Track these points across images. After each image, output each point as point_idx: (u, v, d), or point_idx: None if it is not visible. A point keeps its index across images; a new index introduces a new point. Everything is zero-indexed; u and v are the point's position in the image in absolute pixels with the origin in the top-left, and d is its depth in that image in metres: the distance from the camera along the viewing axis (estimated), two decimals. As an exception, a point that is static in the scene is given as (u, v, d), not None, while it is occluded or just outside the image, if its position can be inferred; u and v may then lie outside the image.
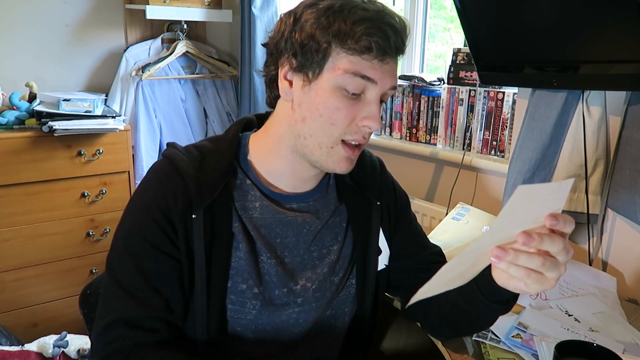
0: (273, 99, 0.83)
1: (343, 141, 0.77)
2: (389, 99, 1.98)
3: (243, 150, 0.84)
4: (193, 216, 0.76)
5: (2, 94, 1.98)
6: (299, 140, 0.78)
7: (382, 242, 0.92)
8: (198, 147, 0.82)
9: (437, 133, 1.86)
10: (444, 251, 0.97)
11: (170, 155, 0.80)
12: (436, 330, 0.94)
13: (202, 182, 0.77)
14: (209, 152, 0.81)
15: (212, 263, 0.77)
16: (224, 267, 0.78)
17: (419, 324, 0.96)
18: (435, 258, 0.95)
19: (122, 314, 0.74)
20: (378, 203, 0.91)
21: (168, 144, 0.84)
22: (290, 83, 0.78)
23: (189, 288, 0.78)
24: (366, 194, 0.91)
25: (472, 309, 0.80)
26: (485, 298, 0.75)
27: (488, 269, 0.71)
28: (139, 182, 0.82)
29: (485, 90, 1.68)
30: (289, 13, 0.78)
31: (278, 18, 0.82)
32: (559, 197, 0.58)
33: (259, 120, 0.90)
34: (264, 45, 0.82)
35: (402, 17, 0.76)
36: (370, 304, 0.91)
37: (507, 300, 0.76)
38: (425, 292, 0.62)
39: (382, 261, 0.92)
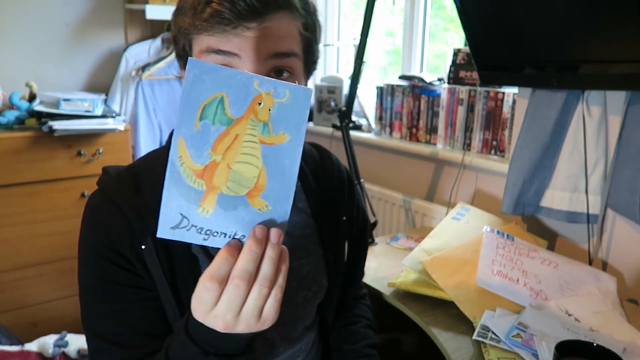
0: None
1: None
2: (388, 98, 1.99)
3: None
4: (142, 247, 0.70)
5: (2, 94, 1.98)
6: None
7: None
8: (132, 169, 0.76)
9: (437, 133, 1.86)
10: (443, 251, 0.97)
11: (101, 184, 0.75)
12: None
13: (141, 208, 0.71)
14: (144, 172, 0.75)
15: (180, 289, 0.73)
16: (192, 292, 0.76)
17: (418, 324, 0.96)
18: (353, 304, 1.00)
19: None
20: (344, 218, 0.91)
21: (103, 169, 0.78)
22: None
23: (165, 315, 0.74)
24: (333, 209, 0.90)
25: None
26: None
27: None
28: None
29: (485, 90, 1.68)
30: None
31: None
32: None
33: None
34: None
35: None
36: (339, 285, 0.92)
37: None
38: None
39: None
